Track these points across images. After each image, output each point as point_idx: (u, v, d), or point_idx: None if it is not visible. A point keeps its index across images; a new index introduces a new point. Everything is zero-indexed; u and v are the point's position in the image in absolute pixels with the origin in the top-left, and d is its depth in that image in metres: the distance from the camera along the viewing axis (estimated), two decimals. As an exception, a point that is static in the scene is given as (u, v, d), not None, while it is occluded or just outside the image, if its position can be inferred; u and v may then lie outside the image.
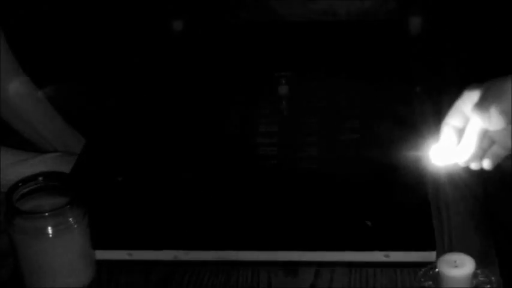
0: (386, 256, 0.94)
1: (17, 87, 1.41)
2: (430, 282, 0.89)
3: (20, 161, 1.31)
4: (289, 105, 1.26)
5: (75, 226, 0.90)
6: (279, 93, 1.28)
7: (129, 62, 1.43)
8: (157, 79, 1.37)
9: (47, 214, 0.89)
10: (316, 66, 1.38)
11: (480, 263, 0.90)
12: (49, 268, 0.91)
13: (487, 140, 0.86)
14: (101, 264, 0.96)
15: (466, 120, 0.85)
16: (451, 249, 0.96)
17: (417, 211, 0.98)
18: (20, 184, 0.92)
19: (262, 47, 1.45)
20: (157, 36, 1.50)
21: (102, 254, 0.96)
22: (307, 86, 1.31)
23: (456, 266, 0.86)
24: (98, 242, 0.95)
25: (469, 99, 0.84)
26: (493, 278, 0.89)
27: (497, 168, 1.07)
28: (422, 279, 0.90)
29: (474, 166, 0.87)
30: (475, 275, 0.88)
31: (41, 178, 0.93)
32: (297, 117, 1.24)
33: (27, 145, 1.42)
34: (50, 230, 0.89)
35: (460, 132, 0.85)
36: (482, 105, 0.82)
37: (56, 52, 1.66)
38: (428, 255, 0.93)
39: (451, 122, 0.86)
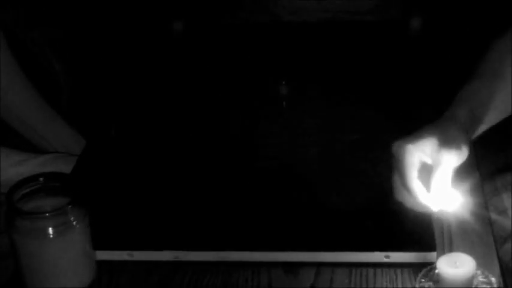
0: (387, 257, 0.94)
1: (17, 88, 1.41)
2: (431, 283, 0.89)
3: (20, 162, 1.31)
4: (289, 105, 1.26)
5: (76, 226, 0.90)
6: (279, 93, 1.28)
7: (130, 63, 1.43)
8: (157, 79, 1.37)
9: (47, 214, 0.89)
10: (316, 66, 1.38)
11: (480, 263, 0.90)
12: (49, 268, 0.91)
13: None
14: (101, 264, 0.96)
15: (424, 168, 0.90)
16: (451, 249, 0.96)
17: (417, 212, 0.98)
18: (20, 184, 0.92)
19: (262, 48, 1.45)
20: (157, 36, 1.50)
21: (103, 255, 0.96)
22: (307, 86, 1.31)
23: (456, 267, 0.86)
24: (99, 242, 0.95)
25: (419, 150, 0.90)
26: (493, 278, 0.89)
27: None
28: (422, 280, 0.90)
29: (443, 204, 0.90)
30: (475, 276, 0.88)
31: (41, 179, 0.93)
32: (297, 117, 1.24)
33: (27, 146, 1.42)
34: (50, 230, 0.89)
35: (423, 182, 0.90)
36: (453, 145, 0.89)
37: (56, 52, 1.66)
38: (429, 256, 0.93)
39: (411, 175, 0.90)
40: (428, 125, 0.93)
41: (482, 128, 0.97)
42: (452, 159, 0.89)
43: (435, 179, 0.89)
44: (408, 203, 0.92)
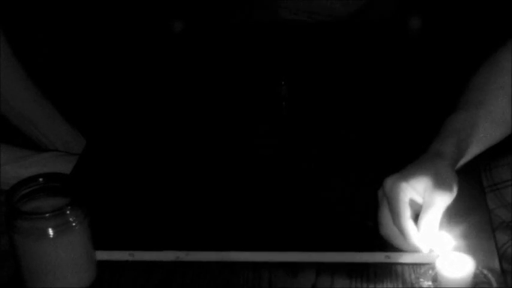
0: (387, 257, 0.94)
1: (18, 86, 1.42)
2: (430, 283, 0.90)
3: (20, 158, 1.31)
4: (289, 105, 1.26)
5: (76, 227, 0.90)
6: (279, 93, 1.28)
7: (130, 62, 1.43)
8: (157, 79, 1.37)
9: (47, 215, 0.89)
10: (316, 66, 1.38)
11: (480, 263, 0.90)
12: (50, 269, 0.91)
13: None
14: (102, 264, 0.96)
15: (415, 207, 0.90)
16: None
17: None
18: (20, 185, 0.92)
19: (262, 48, 1.45)
20: (157, 36, 1.50)
21: (104, 255, 0.96)
22: (307, 86, 1.31)
23: (456, 266, 0.86)
24: (99, 242, 0.95)
25: (412, 188, 0.89)
26: (492, 278, 0.89)
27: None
28: (422, 279, 0.90)
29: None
30: (474, 275, 0.88)
31: (41, 179, 0.93)
32: (296, 117, 1.24)
33: (28, 145, 1.42)
34: (50, 230, 0.89)
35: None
36: (446, 187, 0.89)
37: (57, 51, 1.67)
38: (429, 256, 0.93)
39: (406, 214, 0.89)
40: (417, 160, 0.93)
41: (463, 161, 0.97)
42: (445, 201, 0.89)
43: (426, 220, 0.88)
44: (394, 241, 0.92)
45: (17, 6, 1.60)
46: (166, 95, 1.32)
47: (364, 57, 1.39)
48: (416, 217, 0.91)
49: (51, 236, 0.89)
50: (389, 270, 0.94)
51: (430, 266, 0.91)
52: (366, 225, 0.98)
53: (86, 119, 1.45)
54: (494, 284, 0.89)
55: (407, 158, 1.06)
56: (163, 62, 1.41)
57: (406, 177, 0.90)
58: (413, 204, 0.91)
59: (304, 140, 1.18)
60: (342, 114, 1.24)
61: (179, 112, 1.27)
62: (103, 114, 1.29)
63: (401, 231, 0.89)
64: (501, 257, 1.12)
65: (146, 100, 1.31)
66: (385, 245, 0.94)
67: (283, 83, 1.28)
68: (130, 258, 0.97)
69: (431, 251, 0.90)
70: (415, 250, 0.90)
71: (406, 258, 0.94)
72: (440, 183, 0.89)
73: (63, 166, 1.30)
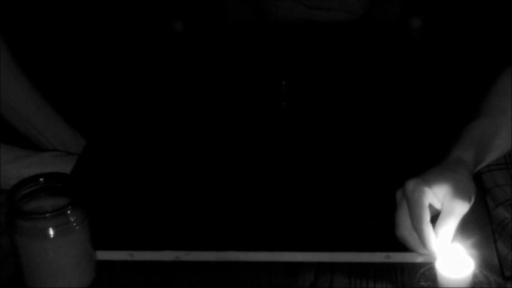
0: (387, 257, 0.94)
1: (17, 87, 1.42)
2: (429, 283, 0.90)
3: (20, 158, 1.32)
4: (290, 105, 1.26)
5: (76, 227, 0.90)
6: (279, 93, 1.28)
7: (130, 62, 1.43)
8: (157, 79, 1.37)
9: (48, 215, 0.89)
10: (316, 66, 1.38)
11: (480, 263, 0.90)
12: (50, 268, 0.91)
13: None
14: (102, 264, 0.96)
15: (433, 212, 0.90)
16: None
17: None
18: (21, 185, 0.92)
19: (262, 48, 1.45)
20: (158, 36, 1.50)
21: (104, 255, 0.96)
22: (308, 86, 1.31)
23: (456, 266, 0.86)
24: (99, 242, 0.95)
25: (432, 193, 0.89)
26: (492, 278, 0.89)
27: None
28: (421, 279, 0.90)
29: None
30: (474, 275, 0.88)
31: (42, 179, 0.93)
32: (297, 117, 1.24)
33: (28, 146, 1.42)
34: (51, 230, 0.89)
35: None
36: (466, 196, 0.90)
37: (57, 52, 1.67)
38: (429, 256, 0.93)
39: (427, 218, 0.89)
40: (439, 166, 0.93)
41: (479, 168, 0.97)
42: (464, 209, 0.90)
43: (445, 227, 0.89)
44: (409, 242, 0.91)
45: (16, 7, 1.60)
46: (167, 95, 1.32)
47: (365, 57, 1.39)
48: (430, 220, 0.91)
49: (52, 236, 0.89)
50: (389, 270, 0.94)
51: (430, 266, 0.91)
52: (366, 225, 0.98)
53: (85, 119, 1.45)
54: (494, 284, 0.89)
55: (408, 158, 1.07)
56: (164, 62, 1.41)
57: (429, 182, 0.90)
58: (430, 208, 0.90)
59: (304, 139, 1.18)
60: (342, 114, 1.24)
61: (179, 112, 1.27)
62: (102, 114, 1.29)
63: (420, 235, 0.89)
64: (501, 232, 1.12)
65: (146, 100, 1.31)
66: (385, 245, 0.95)
67: (283, 82, 1.28)
68: (129, 258, 0.97)
69: (443, 257, 0.89)
70: (426, 253, 0.90)
71: (406, 258, 0.94)
72: (460, 192, 0.90)
73: (64, 166, 1.30)
